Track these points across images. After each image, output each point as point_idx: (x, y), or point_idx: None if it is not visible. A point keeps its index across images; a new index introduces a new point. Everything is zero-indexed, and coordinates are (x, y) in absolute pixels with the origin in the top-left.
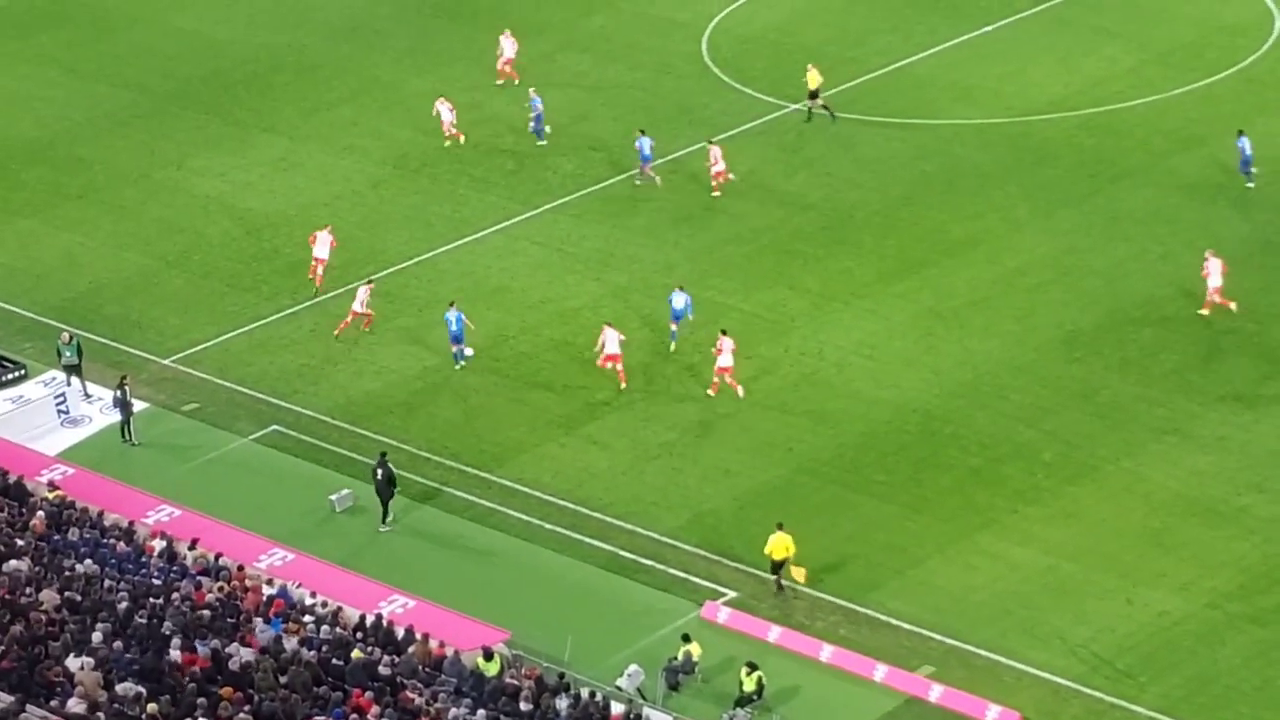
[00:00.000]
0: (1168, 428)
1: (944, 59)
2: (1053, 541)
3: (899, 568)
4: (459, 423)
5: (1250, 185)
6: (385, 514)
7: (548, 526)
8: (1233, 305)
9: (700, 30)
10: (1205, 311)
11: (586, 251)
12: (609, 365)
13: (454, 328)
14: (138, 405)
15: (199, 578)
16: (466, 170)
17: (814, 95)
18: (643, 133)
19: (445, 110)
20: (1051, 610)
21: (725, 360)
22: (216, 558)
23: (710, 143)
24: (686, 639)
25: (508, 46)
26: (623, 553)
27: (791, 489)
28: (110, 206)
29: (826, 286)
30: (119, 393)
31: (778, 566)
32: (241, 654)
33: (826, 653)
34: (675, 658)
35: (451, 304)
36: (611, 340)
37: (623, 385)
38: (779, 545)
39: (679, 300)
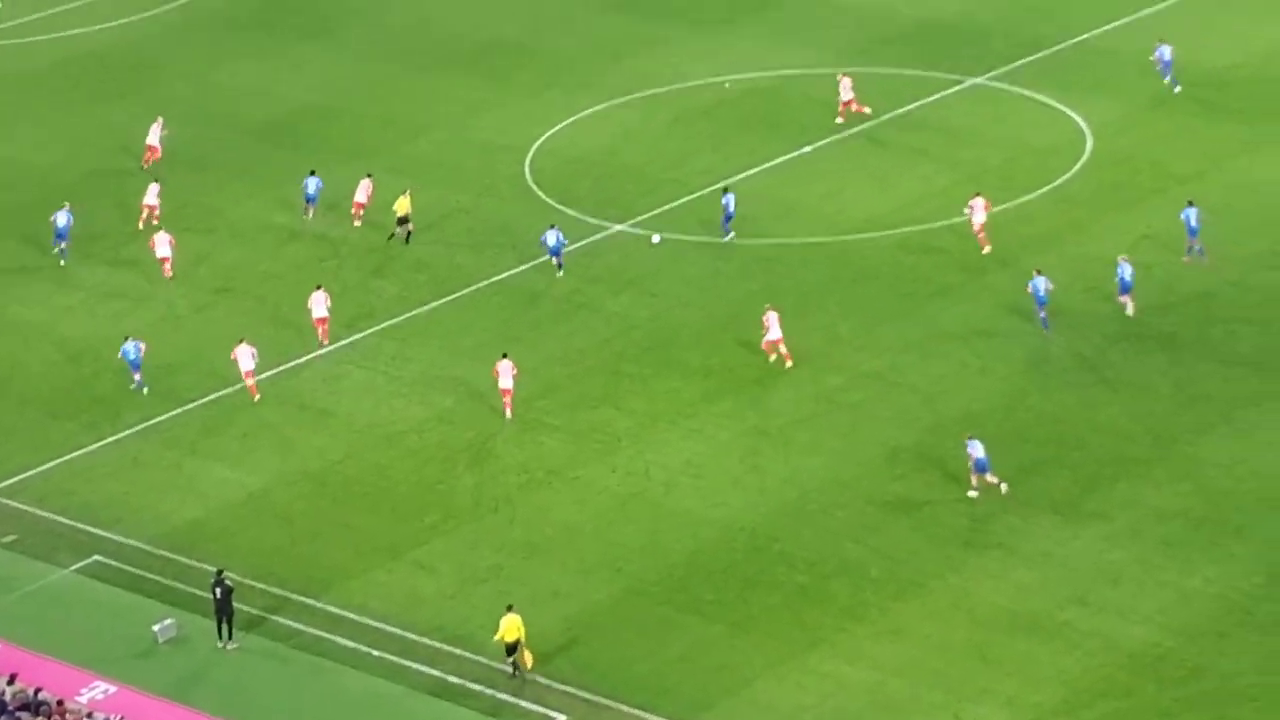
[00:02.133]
0: (991, 542)
1: (764, 179)
2: (880, 658)
3: (729, 687)
4: (284, 548)
5: (729, 238)
6: (230, 632)
7: (375, 653)
8: (789, 363)
9: (523, 153)
10: (774, 358)
11: (412, 374)
12: (319, 329)
13: (132, 356)
14: None
15: (19, 714)
16: (290, 294)
17: (402, 221)
18: (313, 173)
19: (153, 194)
20: None
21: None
22: (36, 692)
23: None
24: None
25: (154, 131)
26: (451, 678)
27: (619, 609)
28: None
29: (653, 406)
30: None
31: (511, 649)
32: None
33: None
34: None
35: (127, 337)
36: (319, 304)
37: (323, 343)
38: (511, 627)
39: (551, 238)
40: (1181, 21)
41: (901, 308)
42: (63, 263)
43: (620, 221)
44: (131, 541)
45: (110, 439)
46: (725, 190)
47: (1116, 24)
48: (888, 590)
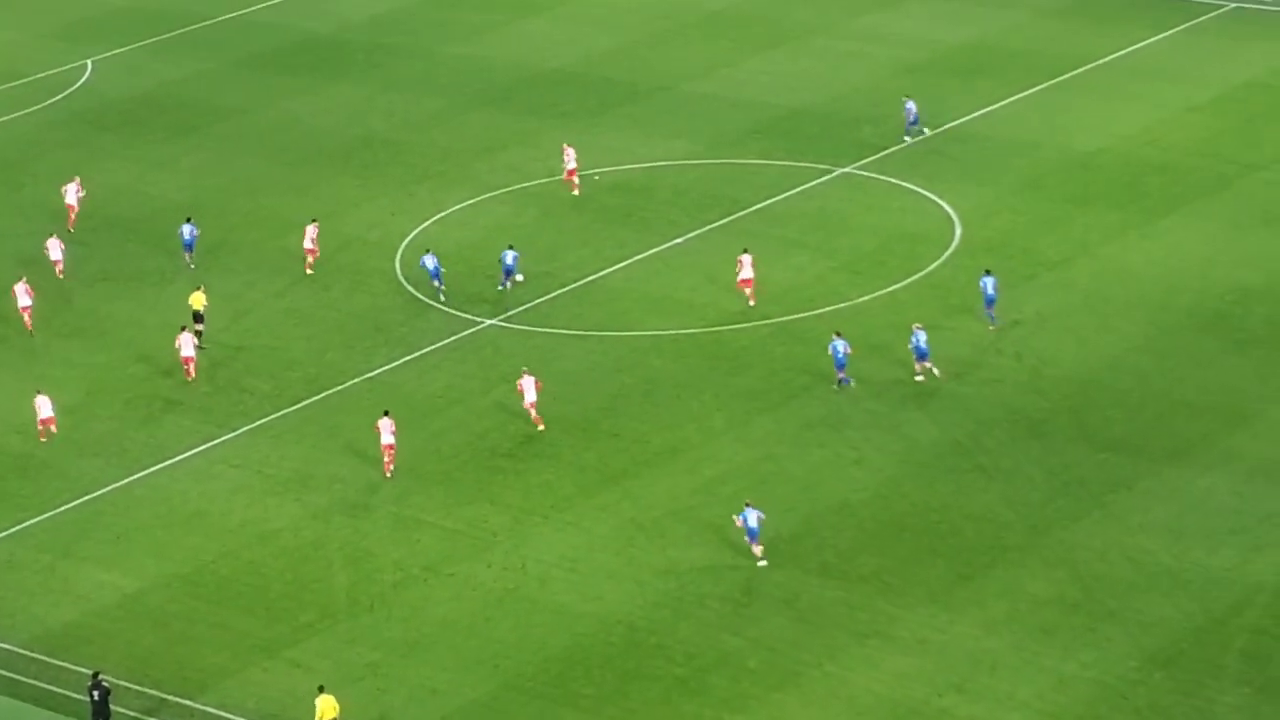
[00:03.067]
0: (869, 631)
1: (635, 271)
2: None
3: None
4: (160, 650)
5: (501, 289)
6: None
7: None
8: (540, 426)
9: (393, 248)
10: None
11: (285, 473)
12: (188, 366)
13: None
14: None
15: None
16: (160, 395)
17: (198, 318)
18: (188, 220)
19: (56, 249)
20: None
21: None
22: None
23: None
24: None
25: (70, 191)
26: None
27: (497, 706)
28: None
29: (527, 500)
30: None
31: None
32: None
33: None
34: None
35: None
36: (186, 344)
37: (191, 378)
38: (327, 707)
39: (429, 261)
40: (1046, 107)
41: (776, 398)
42: None
43: (492, 317)
44: (5, 645)
45: None
46: (510, 247)
47: (983, 111)
48: (766, 681)
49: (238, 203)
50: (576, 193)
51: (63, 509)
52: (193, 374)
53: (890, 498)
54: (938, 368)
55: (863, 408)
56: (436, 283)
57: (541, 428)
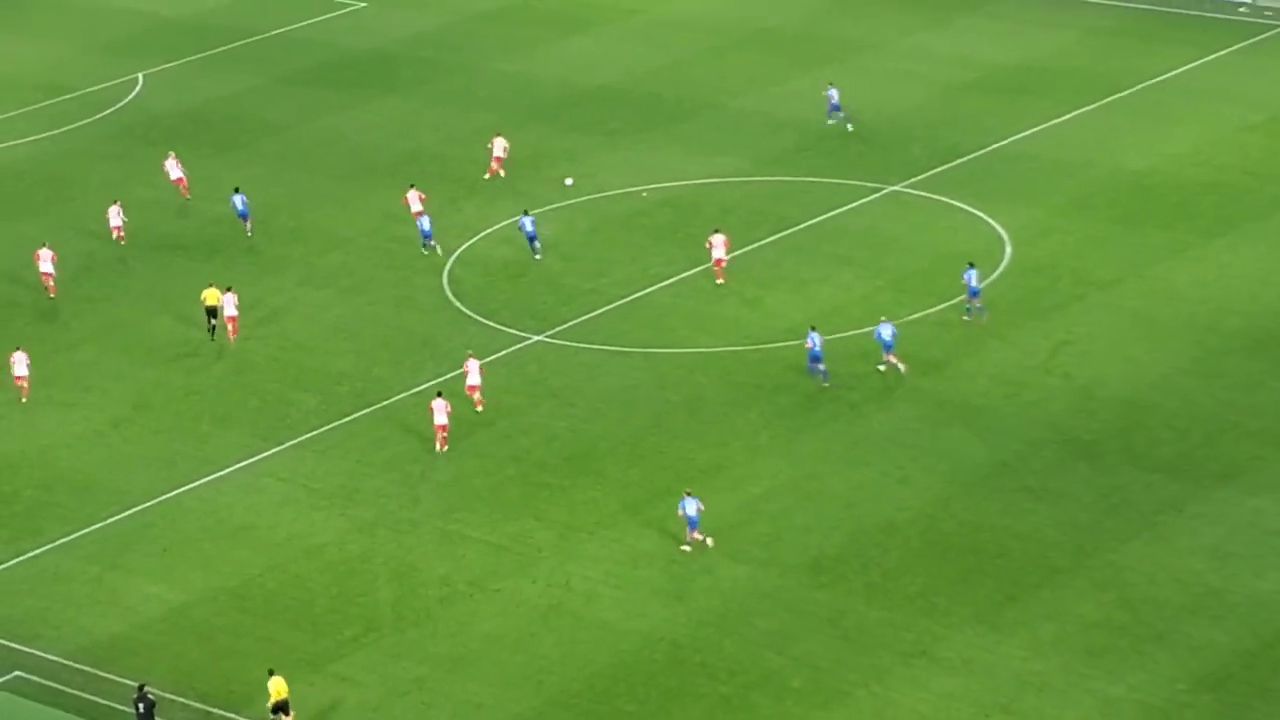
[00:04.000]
0: (915, 651)
1: (682, 289)
2: None
3: None
4: (205, 663)
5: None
6: None
7: None
8: (480, 408)
9: (441, 264)
10: (480, 410)
11: (332, 487)
12: (231, 326)
13: None
14: None
15: None
16: (209, 408)
17: (212, 313)
18: (237, 190)
19: (115, 215)
20: None
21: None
22: None
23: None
24: None
25: (174, 167)
26: None
27: None
28: None
29: (573, 517)
30: None
31: (279, 708)
32: None
33: None
34: None
35: None
36: (229, 305)
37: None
38: (278, 688)
39: (425, 223)
40: (1097, 127)
41: (821, 416)
42: None
43: (539, 332)
44: (52, 657)
45: (30, 554)
46: (525, 212)
47: (1033, 130)
48: (811, 700)
49: (284, 218)
50: (488, 176)
51: (110, 521)
52: (234, 334)
53: (937, 517)
54: (903, 363)
55: (908, 427)
56: (431, 242)
57: (480, 409)
